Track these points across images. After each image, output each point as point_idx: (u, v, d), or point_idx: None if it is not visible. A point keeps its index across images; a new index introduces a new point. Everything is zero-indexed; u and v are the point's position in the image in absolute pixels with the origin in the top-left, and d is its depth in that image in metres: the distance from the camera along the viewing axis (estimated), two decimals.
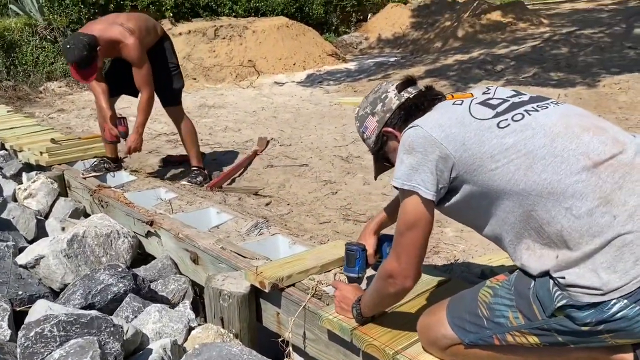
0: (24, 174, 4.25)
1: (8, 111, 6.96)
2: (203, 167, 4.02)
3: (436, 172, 1.41)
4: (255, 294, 2.15)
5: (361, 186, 3.70)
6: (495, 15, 10.72)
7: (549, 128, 1.37)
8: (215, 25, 10.51)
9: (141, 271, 2.64)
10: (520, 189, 1.34)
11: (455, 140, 1.40)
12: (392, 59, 10.25)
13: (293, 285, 2.06)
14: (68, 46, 3.24)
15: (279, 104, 7.09)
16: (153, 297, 2.43)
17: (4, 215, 3.17)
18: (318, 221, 3.13)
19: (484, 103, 1.48)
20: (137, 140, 3.62)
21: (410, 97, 1.57)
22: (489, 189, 1.39)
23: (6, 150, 4.92)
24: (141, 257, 3.05)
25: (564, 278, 1.29)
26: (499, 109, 1.45)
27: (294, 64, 9.98)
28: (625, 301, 1.23)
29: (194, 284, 2.62)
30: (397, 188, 1.48)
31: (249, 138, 5.23)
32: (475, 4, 11.48)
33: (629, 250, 1.24)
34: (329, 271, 2.16)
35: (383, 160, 1.68)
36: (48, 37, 9.84)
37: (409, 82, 1.61)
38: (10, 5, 11.69)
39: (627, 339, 1.29)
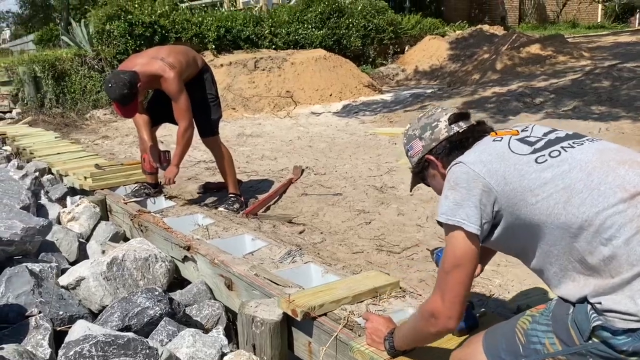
0: (68, 197, 4.41)
1: (56, 137, 7.27)
2: (240, 194, 4.10)
3: (480, 206, 1.43)
4: (287, 321, 2.16)
5: (395, 217, 3.70)
6: (535, 48, 10.64)
7: (585, 163, 1.39)
8: (255, 57, 10.80)
9: (177, 295, 2.69)
10: (560, 222, 1.36)
11: (497, 174, 1.43)
12: (429, 91, 10.28)
13: (325, 314, 2.06)
14: (110, 85, 3.35)
15: (314, 133, 7.19)
16: (187, 321, 2.47)
17: (48, 237, 3.28)
18: (351, 251, 3.13)
19: (522, 140, 1.51)
20: (174, 171, 3.72)
21: (460, 131, 1.61)
22: (531, 222, 1.41)
23: (53, 174, 5.13)
24: (177, 281, 3.11)
25: (600, 303, 1.29)
26: (537, 145, 1.48)
27: (331, 95, 10.12)
28: None
29: (227, 310, 2.65)
30: (441, 224, 1.49)
31: (284, 166, 5.30)
32: (514, 37, 11.46)
33: None
34: (361, 302, 2.16)
35: (420, 177, 1.72)
36: (96, 67, 10.29)
37: (462, 115, 1.65)
38: (62, 37, 12.31)
39: None
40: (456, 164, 1.51)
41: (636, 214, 1.30)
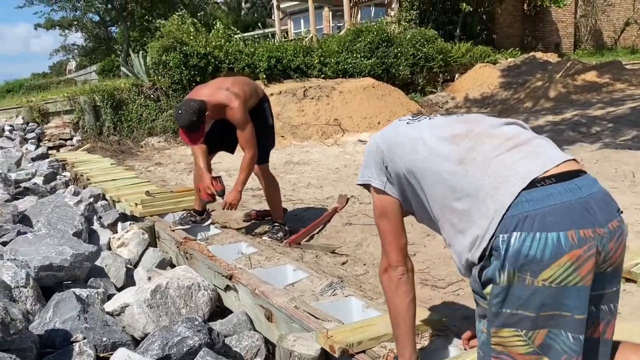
0: (119, 223, 4.54)
1: (112, 164, 7.57)
2: (284, 223, 4.11)
3: (376, 164, 1.71)
4: (325, 357, 2.12)
5: (441, 250, 3.59)
6: (591, 76, 10.33)
7: (436, 122, 1.69)
8: (304, 86, 10.96)
9: (217, 325, 2.69)
10: (418, 167, 1.64)
11: (384, 136, 1.74)
12: None
13: (364, 352, 2.00)
14: (180, 111, 3.47)
15: (361, 161, 7.16)
16: (227, 352, 2.46)
17: (98, 263, 3.37)
18: None
19: (412, 116, 1.83)
20: (236, 197, 3.76)
21: None
22: (404, 172, 1.65)
23: (106, 200, 5.31)
24: (219, 310, 3.11)
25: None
26: (416, 117, 1.78)
27: (379, 123, 10.10)
28: None
29: (267, 342, 2.63)
30: (364, 187, 1.80)
31: (330, 195, 5.29)
32: (568, 64, 11.17)
33: None
34: None
35: None
36: (152, 96, 10.70)
37: None
38: (122, 68, 12.91)
39: None
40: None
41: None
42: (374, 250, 3.65)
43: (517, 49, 16.63)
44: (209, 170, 3.84)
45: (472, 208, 1.42)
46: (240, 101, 3.59)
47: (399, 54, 12.58)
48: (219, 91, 3.64)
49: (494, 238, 1.35)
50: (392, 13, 15.85)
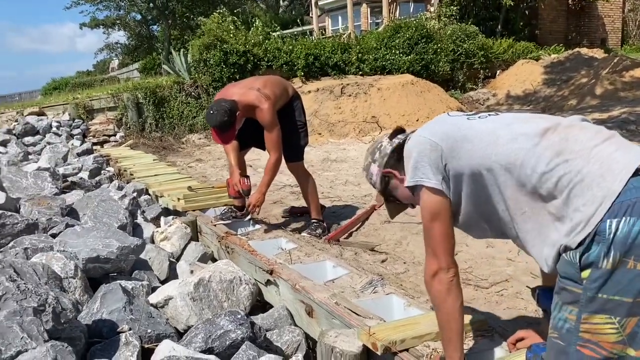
0: (162, 217, 4.63)
1: (154, 159, 7.73)
2: (322, 220, 4.11)
3: (432, 162, 1.63)
4: (367, 354, 2.10)
5: (484, 249, 3.53)
6: None
7: (505, 119, 1.64)
8: (342, 84, 10.94)
9: (259, 319, 2.71)
10: (492, 162, 1.58)
11: (439, 132, 1.67)
12: None
13: (407, 350, 1.98)
14: (211, 112, 3.51)
15: None
16: (268, 346, 2.48)
17: (142, 256, 3.45)
18: None
19: (457, 112, 1.78)
20: (259, 198, 3.79)
21: (401, 142, 1.83)
22: (472, 168, 1.59)
23: (149, 195, 5.42)
24: (260, 304, 3.14)
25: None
26: (468, 114, 1.74)
27: (417, 120, 10.00)
28: None
29: (307, 337, 2.63)
30: (410, 189, 1.72)
31: (368, 192, 5.26)
32: (615, 60, 10.79)
33: None
34: None
35: (391, 198, 1.90)
36: (192, 93, 10.88)
37: (398, 131, 1.89)
38: (163, 66, 13.16)
39: None
40: (408, 140, 1.75)
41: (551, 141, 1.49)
42: (413, 249, 3.62)
43: (561, 45, 16.18)
44: (238, 166, 3.88)
45: (573, 196, 1.41)
46: (269, 103, 3.62)
47: (439, 50, 12.42)
48: (250, 91, 3.67)
49: (601, 222, 1.34)
50: (432, 9, 15.63)
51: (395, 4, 17.26)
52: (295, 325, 2.74)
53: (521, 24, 16.61)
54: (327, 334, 2.20)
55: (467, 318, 2.17)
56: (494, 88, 12.80)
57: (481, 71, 13.25)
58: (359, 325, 2.19)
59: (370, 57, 12.12)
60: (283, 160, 4.00)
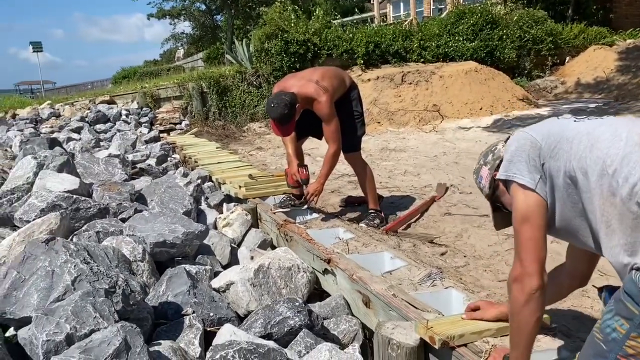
0: (224, 204, 4.76)
1: (217, 147, 7.94)
2: (380, 210, 4.10)
3: (529, 160, 1.57)
4: (424, 347, 2.09)
5: (549, 244, 3.40)
6: None
7: (614, 122, 1.54)
8: (402, 71, 10.79)
9: (316, 307, 2.75)
10: (586, 166, 1.48)
11: (542, 130, 1.61)
12: (592, 105, 9.41)
13: (465, 345, 1.96)
14: (272, 105, 3.57)
15: (461, 149, 6.95)
16: (325, 334, 2.51)
17: (205, 241, 3.57)
18: (497, 278, 2.95)
19: (571, 115, 1.71)
20: (318, 188, 3.82)
21: None
22: (567, 169, 1.51)
23: (212, 182, 5.58)
24: (317, 292, 3.18)
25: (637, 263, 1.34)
26: (578, 116, 1.66)
27: (481, 109, 9.73)
28: None
29: (364, 327, 2.65)
30: (503, 185, 1.67)
31: (427, 183, 5.19)
32: None
33: None
34: (506, 335, 2.01)
35: (498, 206, 1.81)
36: (254, 82, 11.06)
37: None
38: (227, 55, 13.43)
39: None
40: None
41: None
42: (475, 242, 3.55)
43: (638, 29, 15.20)
44: (296, 155, 3.92)
45: None
46: (327, 96, 3.64)
47: (505, 37, 12.00)
48: (308, 83, 3.69)
49: None
50: None
51: None
52: (352, 314, 2.76)
53: (594, 7, 15.74)
54: (384, 326, 2.20)
55: None
56: (563, 75, 12.24)
57: (549, 58, 12.69)
58: (417, 318, 2.18)
59: (433, 44, 11.87)
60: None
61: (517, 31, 12.25)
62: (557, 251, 3.30)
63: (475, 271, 3.06)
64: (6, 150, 7.03)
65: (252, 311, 2.65)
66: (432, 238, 3.61)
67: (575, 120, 1.61)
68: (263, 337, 2.30)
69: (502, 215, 1.82)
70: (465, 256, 3.31)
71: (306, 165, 3.97)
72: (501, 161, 1.71)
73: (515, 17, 12.60)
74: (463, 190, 4.81)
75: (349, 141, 3.97)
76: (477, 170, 1.83)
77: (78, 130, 9.52)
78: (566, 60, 13.01)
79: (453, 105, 9.83)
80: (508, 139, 1.77)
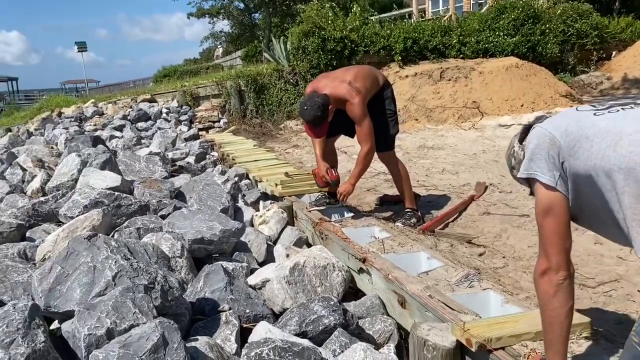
0: (261, 202, 4.80)
1: (254, 145, 8.01)
2: (416, 209, 4.06)
3: (548, 158, 1.56)
4: (460, 350, 2.06)
5: (591, 245, 3.31)
6: None
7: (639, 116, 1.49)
8: (441, 68, 10.63)
9: (351, 306, 2.74)
10: (611, 164, 1.43)
11: (560, 127, 1.57)
12: None
13: (502, 348, 1.92)
14: (305, 107, 3.61)
15: (501, 147, 6.80)
16: (360, 334, 2.50)
17: (242, 238, 3.61)
18: None
19: (589, 104, 1.67)
20: (349, 189, 3.81)
21: None
22: (589, 169, 1.48)
23: (249, 179, 5.64)
24: (352, 291, 3.17)
25: None
26: (599, 107, 1.61)
27: (522, 105, 9.50)
28: None
29: (399, 327, 2.63)
30: (525, 182, 1.66)
31: (466, 182, 5.11)
32: None
33: None
34: None
35: None
36: (291, 80, 11.10)
37: (526, 130, 1.77)
38: (264, 53, 13.53)
39: None
40: (532, 129, 1.68)
41: None
42: (514, 243, 3.47)
43: None
44: (325, 157, 3.92)
45: None
46: (360, 97, 3.63)
47: (547, 31, 11.68)
48: (341, 84, 3.69)
49: None
50: None
51: None
52: (388, 314, 2.74)
53: None
54: (419, 327, 2.18)
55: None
56: (609, 70, 11.83)
57: (594, 52, 12.29)
58: (453, 320, 2.15)
59: (472, 39, 11.66)
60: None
61: (561, 25, 11.91)
62: (600, 252, 3.21)
63: (515, 272, 2.99)
64: (52, 147, 7.28)
65: (288, 309, 2.66)
66: (470, 238, 3.55)
67: (595, 114, 1.56)
68: (298, 335, 2.31)
69: None
70: (504, 257, 3.25)
71: (335, 167, 3.96)
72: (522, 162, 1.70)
73: (559, 11, 12.25)
74: (502, 189, 4.71)
75: (383, 140, 3.95)
76: (514, 176, 1.82)
77: (120, 128, 9.77)
78: (613, 55, 12.57)
79: (493, 102, 9.64)
80: (521, 135, 1.76)
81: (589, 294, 2.70)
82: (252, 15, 28.89)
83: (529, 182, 1.65)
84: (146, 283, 2.07)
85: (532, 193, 1.80)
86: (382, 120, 3.92)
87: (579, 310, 2.30)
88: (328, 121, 3.65)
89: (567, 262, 1.59)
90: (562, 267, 1.58)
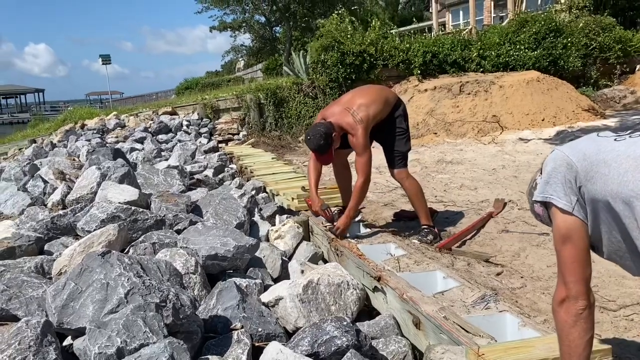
0: (277, 216, 4.80)
1: (272, 158, 8.04)
2: (433, 226, 4.01)
3: (565, 182, 1.52)
4: None
5: (612, 266, 3.19)
6: None
7: None
8: (461, 81, 10.58)
9: (365, 326, 2.71)
10: (629, 190, 1.39)
11: (579, 152, 1.53)
12: None
13: None
14: (308, 137, 3.72)
15: (521, 162, 6.72)
16: (373, 355, 2.46)
17: (257, 253, 3.60)
18: None
19: (611, 131, 1.61)
20: (346, 223, 3.76)
21: None
22: (606, 196, 1.43)
23: (267, 193, 5.65)
24: (367, 309, 3.14)
25: None
26: (621, 132, 1.56)
27: (543, 120, 9.39)
28: None
29: (414, 348, 2.58)
30: (542, 206, 1.61)
31: (484, 198, 5.04)
32: None
33: None
34: None
35: None
36: (310, 94, 11.15)
37: None
38: (284, 67, 13.63)
39: None
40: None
41: None
42: (533, 262, 3.40)
43: None
44: (316, 187, 3.98)
45: None
46: (362, 128, 3.67)
47: (569, 45, 11.55)
48: (345, 114, 3.74)
49: None
50: (562, 0, 14.57)
51: None
52: (402, 335, 2.69)
53: None
54: (433, 349, 2.14)
55: None
56: (633, 85, 11.63)
57: (617, 66, 12.11)
58: (468, 344, 2.10)
59: (493, 53, 11.59)
60: None
61: (583, 39, 11.77)
62: (621, 274, 3.12)
63: (533, 293, 2.93)
64: (74, 159, 7.40)
65: (300, 328, 2.64)
66: (487, 257, 3.49)
67: (615, 139, 1.51)
68: (310, 355, 2.28)
69: None
70: (522, 277, 3.18)
71: (329, 207, 3.96)
72: None
73: (581, 25, 12.12)
74: (522, 206, 4.63)
75: (395, 158, 3.98)
76: (532, 210, 1.78)
77: (141, 140, 9.89)
78: (637, 69, 12.38)
79: (513, 116, 9.54)
80: (542, 168, 1.70)
81: (609, 318, 2.62)
82: (273, 28, 29.18)
83: (546, 206, 1.60)
84: (158, 301, 2.07)
85: (537, 217, 1.76)
86: (394, 139, 3.96)
87: (598, 336, 2.24)
88: (333, 148, 3.73)
89: (587, 291, 1.54)
90: (582, 296, 1.53)
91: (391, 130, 3.94)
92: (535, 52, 11.42)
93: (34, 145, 10.56)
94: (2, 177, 6.37)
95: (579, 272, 1.53)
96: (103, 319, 1.98)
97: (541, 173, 1.70)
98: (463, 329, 2.26)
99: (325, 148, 3.69)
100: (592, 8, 13.61)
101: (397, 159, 3.98)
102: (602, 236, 1.53)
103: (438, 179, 6.10)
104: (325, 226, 4.05)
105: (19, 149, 11.60)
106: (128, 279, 2.13)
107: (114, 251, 2.30)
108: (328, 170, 7.34)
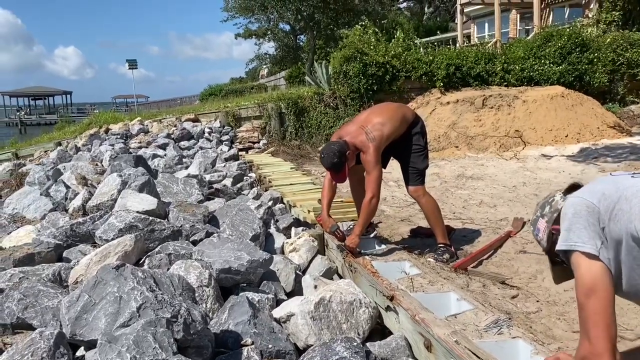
0: (293, 228, 4.81)
1: (291, 167, 8.07)
2: (450, 244, 3.97)
3: (588, 225, 1.48)
4: None
5: None
6: None
7: None
8: (484, 95, 10.50)
9: (375, 347, 2.69)
10: None
11: (597, 192, 1.52)
12: None
13: None
14: (322, 156, 3.76)
15: (543, 180, 6.62)
16: None
17: (271, 267, 3.61)
18: (571, 329, 2.75)
19: (625, 172, 1.61)
20: (355, 241, 3.75)
21: None
22: (631, 232, 1.41)
23: (284, 204, 5.67)
24: (379, 327, 3.12)
25: None
26: (635, 172, 1.57)
27: (567, 136, 9.26)
28: None
29: None
30: (567, 258, 1.56)
31: (504, 216, 4.98)
32: None
33: None
34: None
35: (558, 260, 1.73)
36: (331, 104, 11.18)
37: (574, 187, 1.73)
38: (306, 77, 13.70)
39: None
40: (565, 200, 1.63)
41: None
42: (549, 285, 3.34)
43: None
44: (328, 207, 3.97)
45: None
46: (374, 146, 3.71)
47: (595, 60, 11.39)
48: (360, 133, 3.78)
49: None
50: (590, 14, 14.39)
51: (548, 9, 16.19)
52: (414, 357, 2.67)
53: None
54: None
55: None
56: None
57: None
58: None
59: (517, 67, 11.49)
60: None
61: (610, 55, 11.60)
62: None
63: (548, 319, 2.88)
64: (97, 164, 7.52)
65: (311, 345, 2.63)
66: (503, 279, 3.44)
67: (632, 176, 1.51)
68: None
69: (562, 269, 1.74)
70: (538, 301, 3.13)
71: (338, 227, 3.93)
72: (559, 214, 1.65)
73: (608, 40, 11.95)
74: None
75: (412, 175, 3.98)
76: (535, 222, 1.76)
77: (164, 146, 10.02)
78: None
79: (536, 132, 9.43)
80: (567, 189, 1.70)
81: (625, 347, 2.56)
82: (297, 37, 29.35)
83: (567, 256, 1.55)
84: (169, 316, 2.09)
85: (549, 251, 1.74)
86: (411, 155, 3.95)
87: None
88: (347, 167, 3.75)
89: (612, 349, 1.44)
90: (607, 355, 1.43)
91: (408, 147, 3.94)
92: (560, 67, 11.28)
93: (59, 148, 10.78)
94: (27, 181, 6.51)
95: (604, 327, 1.44)
96: (115, 332, 2.00)
97: (563, 193, 1.70)
98: (474, 354, 2.23)
99: (339, 166, 3.72)
100: (620, 23, 13.41)
101: (413, 176, 3.97)
102: (622, 276, 1.50)
103: (457, 194, 6.05)
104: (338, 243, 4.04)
105: (45, 151, 11.85)
106: (141, 293, 2.16)
107: (128, 265, 2.33)
108: (346, 183, 7.34)
